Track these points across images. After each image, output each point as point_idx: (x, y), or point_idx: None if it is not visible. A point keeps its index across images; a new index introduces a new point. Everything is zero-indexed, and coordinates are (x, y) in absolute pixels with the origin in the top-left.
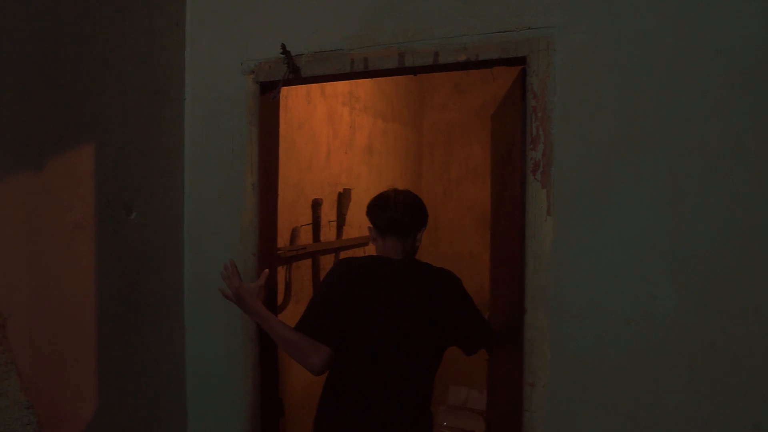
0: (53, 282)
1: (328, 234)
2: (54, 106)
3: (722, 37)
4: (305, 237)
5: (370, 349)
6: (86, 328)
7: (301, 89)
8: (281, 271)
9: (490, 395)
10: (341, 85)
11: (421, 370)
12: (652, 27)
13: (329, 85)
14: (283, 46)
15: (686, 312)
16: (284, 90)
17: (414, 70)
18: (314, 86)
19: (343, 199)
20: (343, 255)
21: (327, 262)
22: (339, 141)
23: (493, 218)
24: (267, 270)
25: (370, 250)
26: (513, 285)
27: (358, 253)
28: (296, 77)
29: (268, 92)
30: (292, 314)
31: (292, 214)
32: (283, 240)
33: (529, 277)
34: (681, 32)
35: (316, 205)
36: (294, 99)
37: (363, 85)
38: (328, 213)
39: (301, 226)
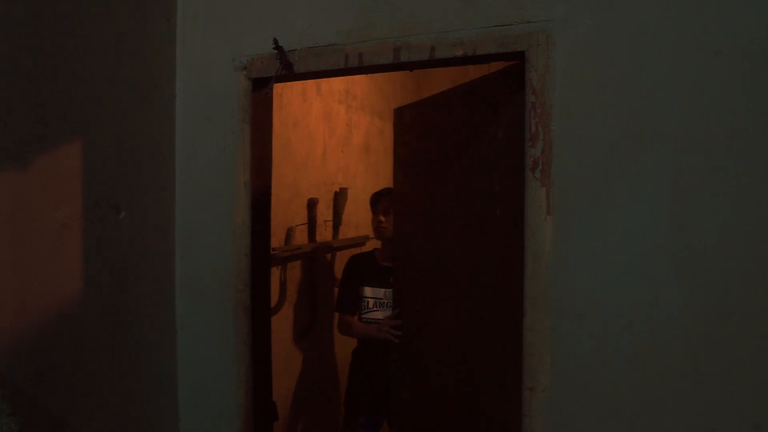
0: (38, 284)
1: (324, 234)
2: (40, 102)
3: (726, 33)
4: (300, 237)
5: None
6: (73, 331)
7: (296, 87)
8: (276, 272)
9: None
10: (337, 83)
11: None
12: (654, 22)
13: (325, 83)
14: (275, 41)
15: (690, 314)
16: (279, 88)
17: (410, 65)
18: (310, 84)
19: (340, 198)
20: (339, 255)
21: (323, 262)
22: (335, 139)
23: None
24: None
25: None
26: (508, 286)
27: (355, 253)
28: (289, 73)
29: (261, 89)
30: (286, 316)
31: (287, 213)
32: (277, 240)
33: (528, 279)
34: (684, 28)
35: (312, 204)
36: (289, 97)
37: (360, 83)
38: (324, 212)
39: (297, 226)
